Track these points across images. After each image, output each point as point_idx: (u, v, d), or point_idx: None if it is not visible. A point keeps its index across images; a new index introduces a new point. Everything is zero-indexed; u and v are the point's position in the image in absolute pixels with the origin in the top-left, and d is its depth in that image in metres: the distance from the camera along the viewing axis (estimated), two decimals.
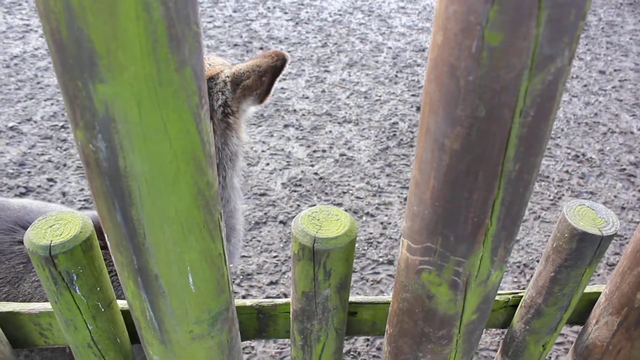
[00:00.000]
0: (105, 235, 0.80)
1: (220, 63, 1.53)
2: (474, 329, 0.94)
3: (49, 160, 3.41)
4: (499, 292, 1.20)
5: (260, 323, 1.17)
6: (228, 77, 1.45)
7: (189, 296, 0.84)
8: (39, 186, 3.23)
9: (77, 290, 0.93)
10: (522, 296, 1.18)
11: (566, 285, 1.04)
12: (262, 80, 1.40)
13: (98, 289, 0.97)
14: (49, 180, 3.27)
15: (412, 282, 0.88)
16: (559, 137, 3.74)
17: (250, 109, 1.53)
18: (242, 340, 1.19)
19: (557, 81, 0.68)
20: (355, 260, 2.84)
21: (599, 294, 1.19)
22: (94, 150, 0.67)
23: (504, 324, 1.23)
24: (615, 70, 4.55)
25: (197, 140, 0.70)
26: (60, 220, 0.92)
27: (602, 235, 0.97)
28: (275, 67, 1.39)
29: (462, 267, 0.81)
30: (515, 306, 1.19)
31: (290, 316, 1.07)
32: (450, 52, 0.67)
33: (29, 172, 3.33)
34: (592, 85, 4.33)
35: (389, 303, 1.10)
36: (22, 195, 3.20)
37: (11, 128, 3.67)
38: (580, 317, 1.22)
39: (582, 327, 1.23)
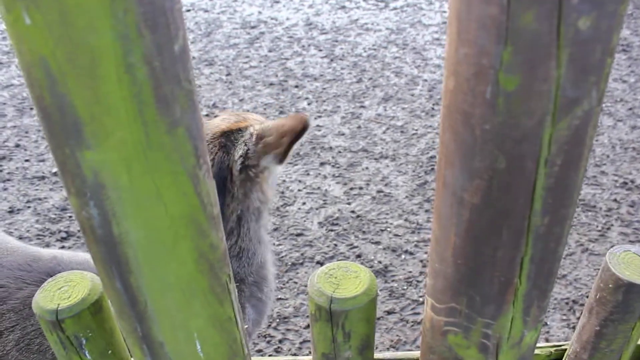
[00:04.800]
0: (109, 301, 0.76)
1: (255, 118, 1.55)
2: None
3: None
4: (540, 345, 1.11)
5: None
6: (255, 130, 1.46)
7: None
8: (79, 231, 3.27)
9: (87, 355, 0.90)
10: (565, 349, 1.08)
11: (614, 341, 0.95)
12: (281, 141, 1.39)
13: (110, 352, 0.93)
14: None
15: (438, 343, 0.81)
16: (605, 164, 3.59)
17: (277, 169, 1.51)
18: None
19: (586, 125, 0.61)
20: (394, 301, 2.74)
21: None
22: (87, 217, 0.64)
23: None
24: None
25: (196, 203, 0.66)
26: (69, 281, 0.90)
27: None
28: (296, 131, 1.38)
29: (491, 329, 0.74)
30: None
31: None
32: (464, 98, 0.61)
33: (70, 216, 3.38)
34: (638, 108, 4.16)
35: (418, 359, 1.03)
36: (63, 240, 3.24)
37: (54, 174, 3.75)
38: None
39: None
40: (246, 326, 1.60)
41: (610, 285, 0.91)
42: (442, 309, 0.77)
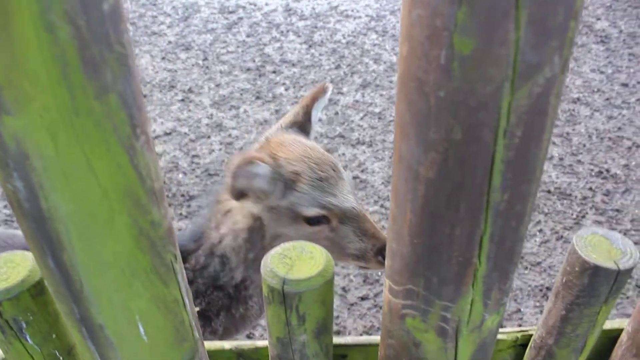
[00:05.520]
0: (45, 281, 0.71)
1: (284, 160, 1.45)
2: None
3: None
4: (507, 330, 1.08)
5: None
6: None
7: (142, 347, 0.75)
8: None
9: (28, 339, 0.85)
10: (531, 335, 1.06)
11: (579, 325, 0.92)
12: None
13: (54, 336, 0.88)
14: None
15: (396, 327, 0.77)
16: (581, 153, 3.59)
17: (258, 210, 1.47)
18: None
19: (548, 93, 0.57)
20: (368, 287, 2.72)
21: (620, 330, 1.06)
22: (12, 190, 0.59)
23: None
24: (638, 82, 4.39)
25: (133, 175, 0.61)
26: (9, 262, 0.84)
27: (618, 269, 0.85)
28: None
29: (450, 312, 0.71)
30: (524, 345, 1.07)
31: None
32: (418, 64, 0.57)
33: None
34: (615, 99, 4.17)
35: None
36: None
37: None
38: (601, 356, 1.09)
39: None
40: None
41: (577, 269, 0.88)
42: (399, 291, 0.73)
